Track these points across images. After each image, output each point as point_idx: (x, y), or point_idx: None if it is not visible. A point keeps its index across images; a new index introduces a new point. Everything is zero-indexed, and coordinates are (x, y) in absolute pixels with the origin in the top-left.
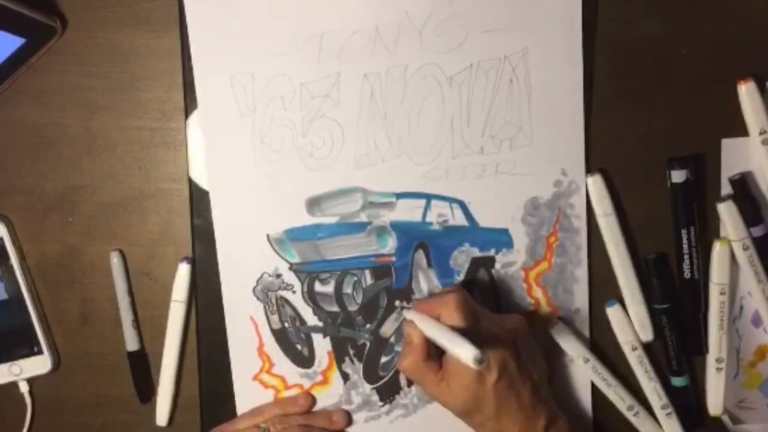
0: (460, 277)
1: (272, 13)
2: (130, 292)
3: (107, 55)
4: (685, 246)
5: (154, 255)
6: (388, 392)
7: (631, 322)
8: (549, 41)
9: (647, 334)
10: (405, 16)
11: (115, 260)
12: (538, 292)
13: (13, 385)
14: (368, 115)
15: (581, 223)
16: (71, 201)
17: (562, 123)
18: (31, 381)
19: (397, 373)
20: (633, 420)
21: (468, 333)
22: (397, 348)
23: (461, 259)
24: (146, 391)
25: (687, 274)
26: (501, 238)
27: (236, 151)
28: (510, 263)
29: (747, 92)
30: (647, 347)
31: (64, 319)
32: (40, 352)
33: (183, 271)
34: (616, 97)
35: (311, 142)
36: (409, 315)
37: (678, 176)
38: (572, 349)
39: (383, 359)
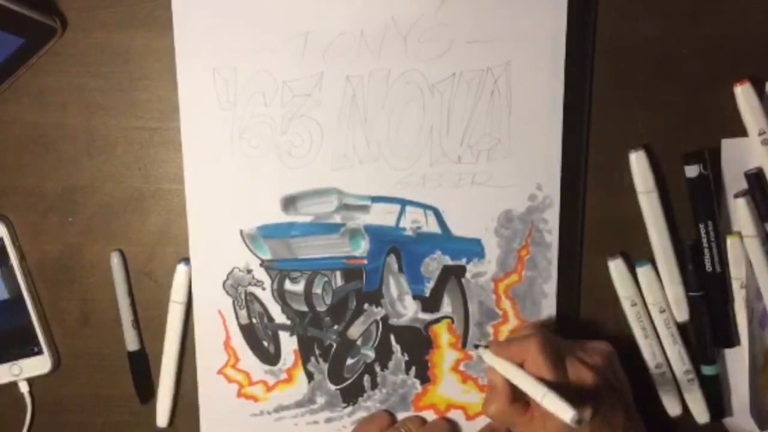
0: (431, 284)
1: (259, 8)
2: (130, 292)
3: (107, 55)
4: (704, 240)
5: (154, 255)
6: (352, 394)
7: (661, 283)
8: (533, 56)
9: (683, 315)
10: (391, 21)
11: (115, 260)
12: (506, 304)
13: (13, 385)
14: (348, 117)
15: (553, 239)
16: (71, 201)
17: (541, 138)
18: (31, 381)
19: (361, 376)
20: (657, 378)
21: (557, 382)
22: (364, 351)
23: (432, 266)
24: (146, 391)
25: (709, 268)
26: (473, 248)
27: (214, 144)
28: (480, 273)
29: (743, 93)
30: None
31: (64, 319)
32: (40, 352)
33: (181, 272)
34: (616, 97)
35: (290, 140)
36: (488, 359)
37: (691, 171)
38: (624, 289)
39: (349, 361)
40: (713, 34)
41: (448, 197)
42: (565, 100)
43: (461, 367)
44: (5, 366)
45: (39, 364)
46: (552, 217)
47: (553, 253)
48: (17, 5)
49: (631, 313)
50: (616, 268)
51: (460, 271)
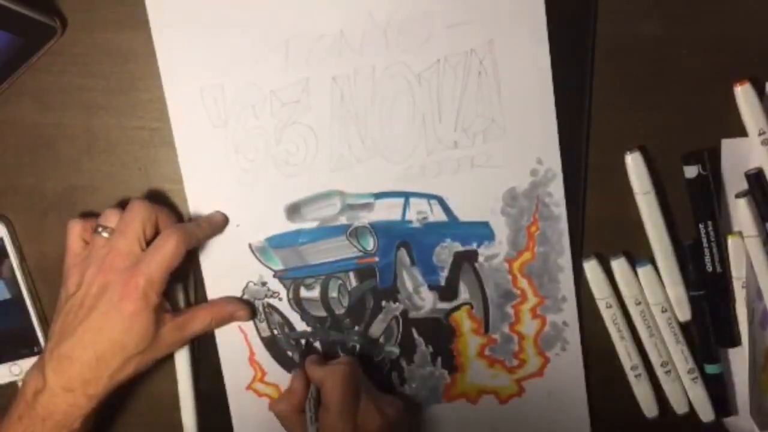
0: (445, 273)
1: (237, 22)
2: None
3: (107, 55)
4: (704, 240)
5: None
6: None
7: (662, 283)
8: (514, 32)
9: (685, 314)
10: (368, 16)
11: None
12: (523, 283)
13: (13, 385)
14: (340, 118)
15: (561, 211)
16: (71, 201)
17: (534, 112)
18: None
19: (389, 373)
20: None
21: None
22: (387, 348)
23: (444, 254)
24: None
25: (709, 268)
26: (482, 231)
27: (212, 162)
28: (493, 255)
29: (743, 94)
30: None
31: None
32: (40, 352)
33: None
34: (616, 97)
35: (285, 149)
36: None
37: (690, 172)
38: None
39: (374, 360)
40: (713, 34)
41: (450, 184)
42: (565, 99)
43: (486, 352)
44: (5, 366)
45: None
46: (557, 190)
47: (564, 226)
48: (17, 5)
49: (634, 312)
50: (619, 267)
51: (473, 255)
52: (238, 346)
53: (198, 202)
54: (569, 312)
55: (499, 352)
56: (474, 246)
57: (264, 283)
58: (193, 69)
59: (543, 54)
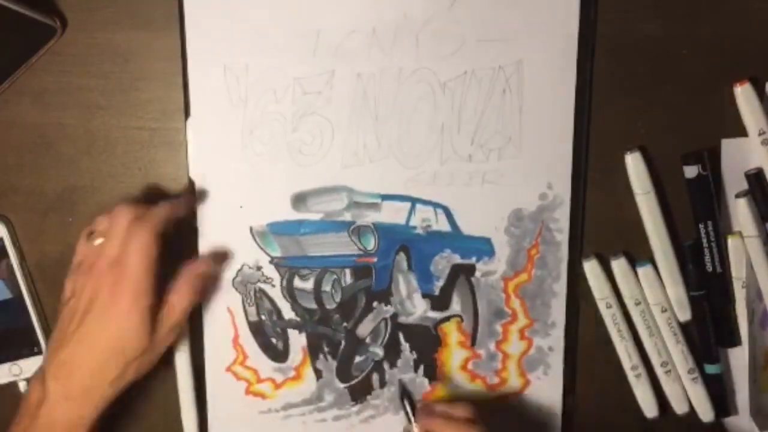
0: (440, 283)
1: (271, 6)
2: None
3: (107, 55)
4: (704, 240)
5: None
6: (360, 392)
7: (662, 283)
8: (544, 55)
9: (685, 314)
10: (403, 18)
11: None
12: (515, 303)
13: (13, 385)
14: (359, 114)
15: (563, 238)
16: (71, 201)
17: (552, 137)
18: None
19: (370, 374)
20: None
21: None
22: (372, 349)
23: (442, 264)
24: None
25: (709, 268)
26: (483, 247)
27: (225, 141)
28: (490, 272)
29: (743, 94)
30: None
31: None
32: (40, 352)
33: None
34: (616, 97)
35: (301, 137)
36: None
37: (690, 172)
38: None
39: (357, 359)
40: (713, 34)
41: (459, 196)
42: None
43: (470, 366)
44: (5, 366)
45: (39, 364)
46: (562, 216)
47: (563, 253)
48: (17, 5)
49: (634, 312)
50: (619, 267)
51: (470, 269)
52: (223, 327)
53: (205, 179)
54: (556, 338)
55: (482, 367)
56: (473, 260)
57: (259, 268)
58: (220, 45)
59: (569, 82)
